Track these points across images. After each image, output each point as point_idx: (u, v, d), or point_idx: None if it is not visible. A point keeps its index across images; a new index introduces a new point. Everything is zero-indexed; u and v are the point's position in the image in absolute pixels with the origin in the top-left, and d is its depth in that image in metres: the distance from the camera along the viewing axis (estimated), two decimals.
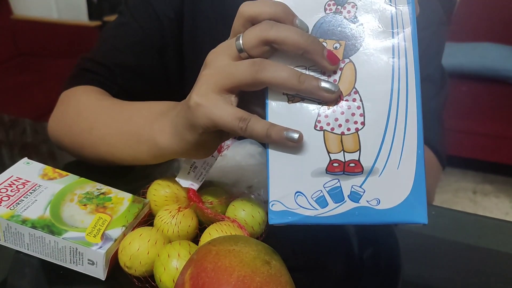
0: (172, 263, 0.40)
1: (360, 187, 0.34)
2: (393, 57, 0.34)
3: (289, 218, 0.36)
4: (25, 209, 0.45)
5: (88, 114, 0.60)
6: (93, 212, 0.46)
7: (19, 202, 0.45)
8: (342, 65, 0.35)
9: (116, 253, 0.44)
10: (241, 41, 0.36)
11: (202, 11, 0.70)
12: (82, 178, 0.51)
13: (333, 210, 0.34)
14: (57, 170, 0.51)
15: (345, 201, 0.34)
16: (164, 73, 0.73)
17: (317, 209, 0.35)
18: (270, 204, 0.36)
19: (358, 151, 0.34)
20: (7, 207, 0.44)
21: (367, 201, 0.34)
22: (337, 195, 0.34)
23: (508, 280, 0.47)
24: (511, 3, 2.20)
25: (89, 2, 2.62)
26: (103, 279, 0.44)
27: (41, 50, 2.54)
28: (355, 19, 0.35)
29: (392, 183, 0.33)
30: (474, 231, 0.55)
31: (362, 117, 0.34)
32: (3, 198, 0.45)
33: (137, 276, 0.43)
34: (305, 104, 0.35)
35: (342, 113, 0.34)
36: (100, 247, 0.43)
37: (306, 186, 0.35)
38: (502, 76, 2.02)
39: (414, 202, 0.33)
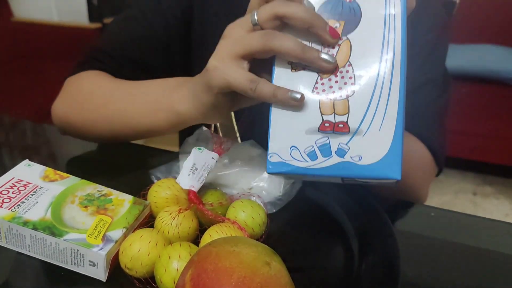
0: (173, 264, 0.40)
1: (346, 144, 0.39)
2: (384, 33, 0.39)
3: (284, 168, 0.41)
4: (27, 211, 0.45)
5: (104, 91, 0.62)
6: (94, 213, 0.47)
7: (21, 204, 0.46)
8: (340, 41, 0.40)
9: (117, 255, 0.44)
10: (255, 16, 0.41)
11: (211, 7, 0.71)
12: (83, 180, 0.51)
13: (322, 163, 0.40)
14: (58, 172, 0.51)
15: (332, 156, 0.39)
16: (168, 70, 0.73)
17: (307, 162, 0.40)
18: (269, 156, 0.41)
19: (347, 114, 0.39)
20: (8, 209, 0.45)
21: (351, 157, 0.39)
22: (326, 150, 0.39)
23: (508, 282, 0.47)
24: (511, 4, 2.21)
25: (89, 4, 2.63)
26: (104, 281, 0.44)
27: (42, 52, 2.54)
28: (354, 3, 0.40)
29: (373, 143, 0.38)
30: (474, 233, 0.55)
31: (353, 86, 0.39)
32: (5, 200, 0.45)
33: (138, 278, 0.44)
34: (306, 72, 0.41)
35: (336, 81, 0.40)
36: (101, 249, 0.43)
37: (300, 141, 0.40)
38: (502, 77, 2.02)
39: (391, 160, 0.38)
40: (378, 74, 0.39)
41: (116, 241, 0.44)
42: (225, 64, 0.42)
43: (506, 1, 2.22)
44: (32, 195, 0.47)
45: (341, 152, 0.39)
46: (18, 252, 0.45)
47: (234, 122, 0.72)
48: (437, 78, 0.66)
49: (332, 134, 0.39)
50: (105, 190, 0.51)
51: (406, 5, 0.39)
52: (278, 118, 0.41)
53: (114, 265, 0.45)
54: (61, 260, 0.44)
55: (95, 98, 0.63)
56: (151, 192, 0.52)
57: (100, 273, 0.44)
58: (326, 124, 0.40)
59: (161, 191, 0.51)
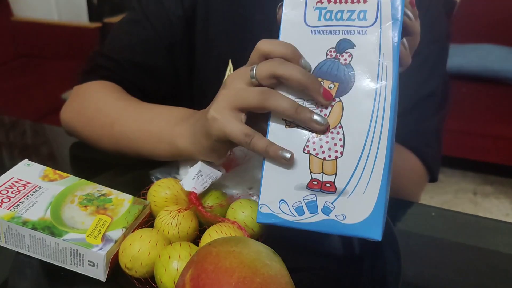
0: (173, 264, 0.40)
1: (331, 203, 0.41)
2: (374, 103, 0.41)
3: (272, 220, 0.43)
4: (26, 211, 0.45)
5: (109, 110, 0.64)
6: (93, 213, 0.47)
7: (20, 203, 0.46)
8: (333, 102, 0.42)
9: (116, 255, 0.44)
10: (254, 72, 0.43)
11: (215, 9, 0.72)
12: (83, 180, 0.51)
13: (308, 219, 0.42)
14: (57, 171, 0.51)
15: (318, 213, 0.41)
16: (173, 71, 0.74)
17: (295, 216, 0.42)
18: (259, 206, 0.44)
19: (335, 175, 0.41)
20: (7, 209, 0.45)
21: (336, 216, 0.41)
22: (312, 207, 0.42)
23: (508, 281, 0.47)
24: (511, 4, 2.20)
25: (89, 4, 2.62)
26: (104, 281, 0.44)
27: (42, 51, 2.54)
28: (349, 67, 0.42)
29: (357, 204, 0.40)
30: (475, 232, 0.55)
31: (342, 148, 0.41)
32: (4, 200, 0.45)
33: (137, 278, 0.44)
34: (298, 130, 0.43)
35: (327, 142, 0.42)
36: (101, 249, 0.43)
37: (289, 196, 0.43)
38: (501, 77, 2.02)
39: (372, 222, 0.40)
40: (366, 140, 0.41)
41: (116, 241, 0.44)
42: (224, 116, 0.44)
43: (506, 0, 2.22)
44: (31, 194, 0.47)
45: (326, 210, 0.41)
46: (17, 252, 0.45)
47: None
48: (437, 92, 0.67)
49: (320, 192, 0.42)
50: (105, 190, 0.51)
51: (399, 66, 0.41)
52: (270, 171, 0.44)
53: (114, 265, 0.45)
54: (60, 260, 0.44)
55: (102, 117, 0.65)
56: (150, 192, 0.52)
57: (100, 273, 0.43)
58: (314, 182, 0.42)
59: (160, 191, 0.51)
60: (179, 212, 0.47)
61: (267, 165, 0.44)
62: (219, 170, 0.52)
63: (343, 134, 0.41)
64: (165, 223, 0.47)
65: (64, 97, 1.98)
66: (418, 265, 0.48)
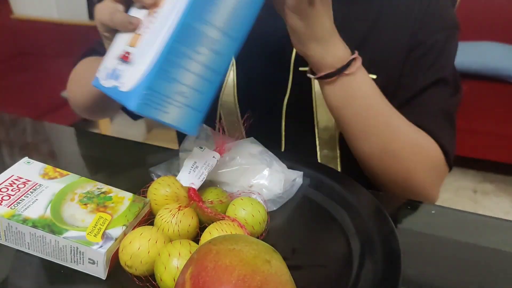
0: (173, 262, 0.40)
1: (120, 71, 0.46)
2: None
3: (95, 83, 0.49)
4: (26, 209, 0.45)
5: (84, 68, 0.76)
6: (93, 211, 0.47)
7: (20, 201, 0.46)
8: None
9: (116, 252, 0.44)
10: None
11: None
12: (83, 178, 0.51)
13: (106, 83, 0.47)
14: (57, 169, 0.51)
15: (113, 80, 0.46)
16: None
17: (104, 79, 0.48)
18: (97, 72, 0.49)
19: (135, 48, 0.46)
20: (7, 207, 0.45)
21: (120, 83, 0.45)
22: (113, 74, 0.46)
23: (508, 279, 0.47)
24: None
25: (89, 2, 2.62)
26: (104, 278, 0.44)
27: (42, 49, 2.54)
28: None
29: (134, 75, 0.44)
30: (475, 230, 0.55)
31: (148, 29, 0.45)
32: (4, 198, 0.45)
33: (137, 276, 0.44)
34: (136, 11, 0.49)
35: (146, 21, 0.46)
36: (101, 247, 0.43)
37: (109, 63, 0.48)
38: (502, 75, 2.01)
39: (134, 93, 0.43)
40: (167, 22, 0.43)
41: (116, 239, 0.44)
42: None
43: None
44: (31, 192, 0.47)
45: (117, 77, 0.46)
46: (17, 250, 0.45)
47: (240, 118, 0.72)
48: (448, 78, 0.66)
49: (120, 61, 0.46)
50: (105, 187, 0.51)
51: None
52: (112, 45, 0.49)
53: (114, 263, 0.45)
54: (60, 258, 0.44)
55: (78, 75, 0.76)
56: (150, 190, 0.52)
57: (100, 271, 0.43)
58: (125, 54, 0.46)
59: (160, 189, 0.51)
60: (179, 209, 0.47)
61: (115, 39, 0.49)
62: (213, 157, 0.51)
63: (157, 14, 0.45)
64: (165, 221, 0.47)
65: (64, 95, 1.98)
66: (418, 263, 0.48)
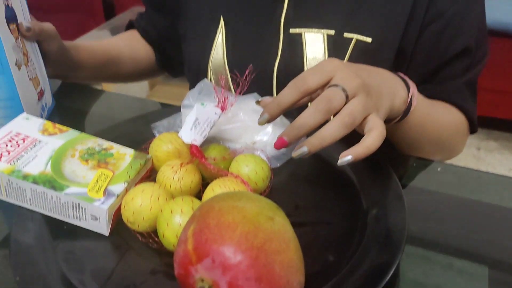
0: (175, 219, 0.40)
1: None
2: None
3: None
4: (26, 165, 0.44)
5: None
6: (94, 167, 0.46)
7: (20, 157, 0.45)
8: None
9: (119, 209, 0.44)
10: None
11: None
12: (83, 134, 0.50)
13: None
14: (57, 125, 0.50)
15: None
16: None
17: None
18: None
19: None
20: (7, 163, 0.44)
21: None
22: None
23: (510, 234, 0.47)
24: None
25: None
26: (107, 235, 0.44)
27: (42, 4, 2.48)
28: None
29: None
30: (478, 187, 0.55)
31: None
32: (3, 154, 0.45)
33: (140, 232, 0.43)
34: None
35: None
36: (103, 203, 0.42)
37: None
38: (509, 30, 1.96)
39: None
40: None
41: (118, 195, 0.44)
42: None
43: None
44: (31, 148, 0.46)
45: None
46: (19, 206, 0.45)
47: (230, 82, 0.70)
48: (471, 46, 0.65)
49: None
50: (106, 144, 0.50)
51: None
52: None
53: (117, 219, 0.44)
54: (63, 214, 0.44)
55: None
56: (152, 146, 0.51)
57: (103, 227, 0.43)
58: None
59: (162, 145, 0.50)
60: (181, 166, 0.46)
61: None
62: (215, 113, 0.50)
63: None
64: (167, 177, 0.46)
65: None
66: (423, 220, 0.48)
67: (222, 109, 0.51)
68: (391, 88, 0.51)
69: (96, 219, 0.43)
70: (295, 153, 0.44)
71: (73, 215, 0.43)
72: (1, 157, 0.44)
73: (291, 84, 0.45)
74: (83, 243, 0.44)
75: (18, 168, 0.44)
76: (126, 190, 0.45)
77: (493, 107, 2.07)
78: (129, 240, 0.44)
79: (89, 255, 0.42)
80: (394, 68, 0.66)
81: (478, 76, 0.70)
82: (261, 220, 0.32)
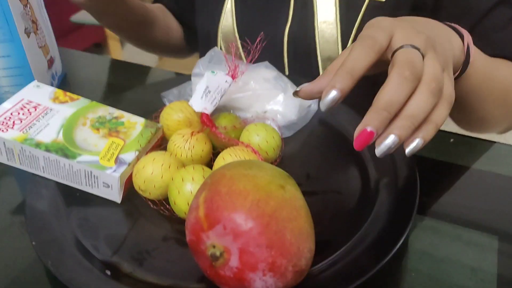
0: (186, 186, 0.40)
1: None
2: None
3: None
4: (38, 133, 0.44)
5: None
6: (106, 136, 0.46)
7: (32, 125, 0.45)
8: None
9: (130, 177, 0.44)
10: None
11: None
12: (94, 102, 0.50)
13: None
14: (68, 93, 0.50)
15: None
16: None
17: None
18: None
19: None
20: (20, 130, 0.44)
21: None
22: None
23: None
24: None
25: None
26: (119, 202, 0.44)
27: None
28: None
29: None
30: (493, 158, 0.54)
31: None
32: (15, 122, 0.45)
33: (152, 199, 0.44)
34: None
35: None
36: (115, 171, 0.43)
37: None
38: None
39: None
40: None
41: (129, 164, 0.44)
42: None
43: None
44: (42, 116, 0.46)
45: None
46: (33, 173, 0.46)
47: (241, 48, 0.69)
48: None
49: None
50: (117, 112, 0.50)
51: None
52: None
53: (128, 187, 0.45)
54: (75, 182, 0.44)
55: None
56: (163, 115, 0.51)
57: (115, 195, 0.44)
58: None
59: (173, 114, 0.50)
60: (192, 135, 0.46)
61: None
62: (225, 82, 0.50)
63: None
64: (178, 146, 0.46)
65: (73, 19, 1.93)
66: (435, 191, 0.48)
67: (233, 77, 0.50)
68: (447, 37, 0.44)
69: (108, 186, 0.43)
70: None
71: (86, 182, 0.44)
72: (13, 125, 0.45)
73: (359, 45, 0.35)
74: (96, 210, 0.44)
75: (31, 136, 0.44)
76: (138, 158, 0.45)
77: None
78: (140, 208, 0.44)
79: (102, 222, 0.43)
80: None
81: None
82: (272, 188, 0.32)
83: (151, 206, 0.44)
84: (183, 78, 0.61)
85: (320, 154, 0.52)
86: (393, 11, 0.61)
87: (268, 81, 0.56)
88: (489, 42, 0.60)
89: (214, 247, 0.31)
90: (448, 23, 0.47)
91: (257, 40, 0.51)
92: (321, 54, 0.65)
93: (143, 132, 0.48)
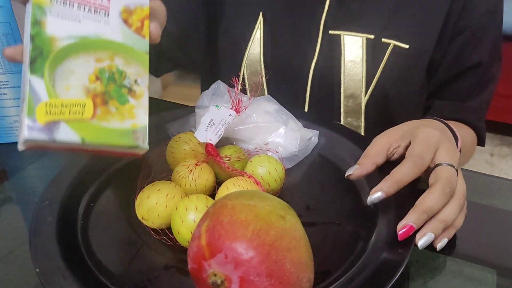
0: (190, 216, 0.41)
1: None
2: None
3: None
4: (60, 16, 0.35)
5: None
6: (90, 93, 0.36)
7: (69, 4, 0.36)
8: None
9: (47, 147, 0.35)
10: None
11: None
12: (145, 55, 0.39)
13: None
14: (147, 23, 0.39)
15: None
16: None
17: None
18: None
19: None
20: None
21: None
22: None
23: None
24: None
25: None
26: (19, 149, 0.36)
27: None
28: None
29: None
30: (490, 192, 0.55)
31: None
32: None
33: (154, 228, 0.45)
34: None
35: None
36: (31, 128, 0.33)
37: None
38: None
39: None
40: None
41: (61, 142, 0.34)
42: None
43: None
44: (90, 10, 0.37)
45: None
46: (38, 200, 0.46)
47: (264, 78, 0.71)
48: (484, 61, 0.67)
49: None
50: (139, 88, 0.38)
51: None
52: None
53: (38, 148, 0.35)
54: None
55: None
56: (169, 146, 0.52)
57: (19, 144, 0.35)
58: None
59: (179, 146, 0.51)
60: (196, 165, 0.48)
61: None
62: (229, 115, 0.51)
63: None
64: (182, 176, 0.47)
65: None
66: None
67: (237, 111, 0.52)
68: (455, 145, 0.52)
69: (20, 133, 0.34)
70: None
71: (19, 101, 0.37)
72: None
73: (409, 161, 0.44)
74: (99, 237, 0.45)
75: (51, 9, 0.35)
76: (78, 148, 0.36)
77: (506, 112, 2.05)
78: (143, 237, 0.45)
79: (105, 250, 0.44)
80: (426, 76, 0.68)
81: (491, 97, 0.72)
82: (273, 218, 0.33)
83: (154, 236, 0.45)
84: (186, 110, 0.63)
85: (320, 185, 0.53)
86: (415, 59, 0.65)
87: (270, 114, 0.58)
88: (462, 107, 0.69)
89: (215, 275, 0.32)
90: (452, 127, 0.55)
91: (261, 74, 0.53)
92: (345, 91, 0.67)
93: (124, 134, 0.37)
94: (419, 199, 0.42)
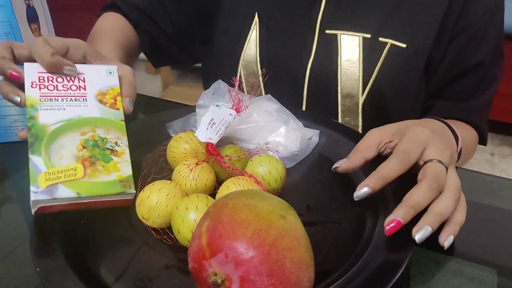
0: (190, 215, 0.41)
1: None
2: None
3: None
4: (48, 109, 0.45)
5: (106, 23, 0.75)
6: (80, 158, 0.44)
7: (54, 99, 0.46)
8: None
9: (49, 208, 0.42)
10: None
11: None
12: (120, 122, 0.48)
13: None
14: (119, 99, 0.49)
15: None
16: (186, 27, 0.79)
17: None
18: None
19: None
20: (40, 95, 0.45)
21: None
22: None
23: None
24: None
25: None
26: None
27: (65, 4, 2.52)
28: None
29: None
30: (491, 192, 0.55)
31: None
32: (49, 86, 0.46)
33: (155, 228, 0.45)
34: None
35: None
36: (35, 192, 0.41)
37: None
38: None
39: None
40: None
41: (55, 198, 0.41)
42: None
43: None
44: (71, 99, 0.46)
45: None
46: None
47: (261, 79, 0.71)
48: (486, 61, 0.67)
49: None
50: (120, 147, 0.46)
51: None
52: None
53: (44, 211, 0.43)
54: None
55: (99, 31, 0.73)
56: (169, 146, 0.52)
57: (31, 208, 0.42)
58: None
59: (179, 145, 0.51)
60: (197, 165, 0.48)
61: None
62: (230, 115, 0.51)
63: None
64: (183, 176, 0.47)
65: None
66: None
67: (237, 111, 0.52)
68: (454, 145, 0.52)
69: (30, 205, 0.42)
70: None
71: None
72: (45, 87, 0.46)
73: (395, 158, 0.44)
74: (100, 237, 0.45)
75: (39, 107, 0.45)
76: (72, 205, 0.43)
77: (507, 112, 2.05)
78: (144, 236, 0.45)
79: (105, 249, 0.44)
80: (424, 76, 0.67)
81: (493, 97, 0.72)
82: (273, 218, 0.33)
83: (154, 235, 0.45)
84: (187, 110, 0.63)
85: (321, 185, 0.53)
86: (412, 58, 0.65)
87: (270, 113, 0.58)
88: (464, 108, 0.70)
89: (215, 275, 0.32)
90: (452, 127, 0.55)
91: (262, 72, 0.53)
92: (342, 90, 0.67)
93: (111, 184, 0.43)
94: (406, 195, 0.42)
